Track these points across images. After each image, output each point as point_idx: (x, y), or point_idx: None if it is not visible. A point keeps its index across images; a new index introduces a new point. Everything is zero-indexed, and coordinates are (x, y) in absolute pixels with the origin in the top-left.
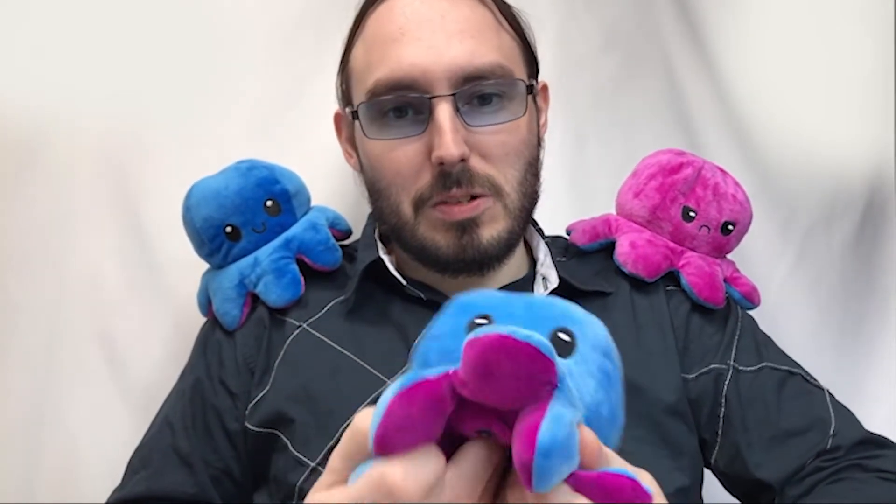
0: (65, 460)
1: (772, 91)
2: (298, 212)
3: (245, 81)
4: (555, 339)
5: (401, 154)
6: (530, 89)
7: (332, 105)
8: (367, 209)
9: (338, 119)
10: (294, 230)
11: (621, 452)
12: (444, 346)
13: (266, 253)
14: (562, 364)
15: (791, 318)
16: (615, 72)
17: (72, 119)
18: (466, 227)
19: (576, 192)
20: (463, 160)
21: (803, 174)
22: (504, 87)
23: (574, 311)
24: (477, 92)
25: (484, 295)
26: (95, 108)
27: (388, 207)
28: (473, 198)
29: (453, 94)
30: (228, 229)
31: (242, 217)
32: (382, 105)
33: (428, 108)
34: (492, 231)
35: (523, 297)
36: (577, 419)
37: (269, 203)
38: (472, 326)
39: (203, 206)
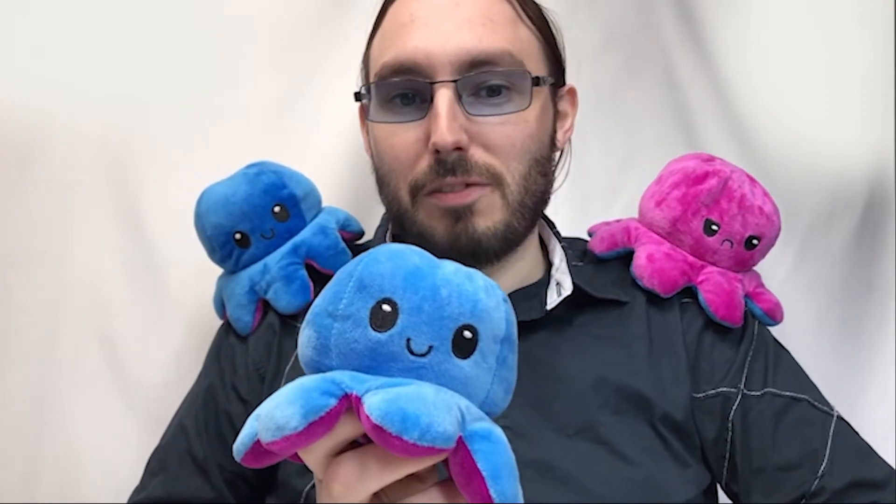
0: (65, 460)
1: (772, 91)
2: (308, 215)
3: (245, 81)
4: (457, 339)
5: (400, 140)
6: (537, 81)
7: (333, 105)
8: (379, 209)
9: (362, 111)
10: (303, 235)
11: (629, 464)
12: (345, 335)
13: (275, 259)
14: (461, 365)
15: (790, 318)
16: (615, 72)
17: (71, 119)
18: (462, 214)
19: (576, 192)
20: (460, 149)
21: (803, 174)
22: (510, 78)
23: (479, 299)
24: (482, 82)
25: (390, 267)
26: (95, 108)
27: (390, 194)
28: (468, 186)
29: (455, 81)
30: (238, 236)
31: (251, 224)
32: (387, 89)
33: (429, 93)
34: (488, 222)
35: (431, 280)
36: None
37: (276, 209)
38: (377, 314)
39: (212, 214)
